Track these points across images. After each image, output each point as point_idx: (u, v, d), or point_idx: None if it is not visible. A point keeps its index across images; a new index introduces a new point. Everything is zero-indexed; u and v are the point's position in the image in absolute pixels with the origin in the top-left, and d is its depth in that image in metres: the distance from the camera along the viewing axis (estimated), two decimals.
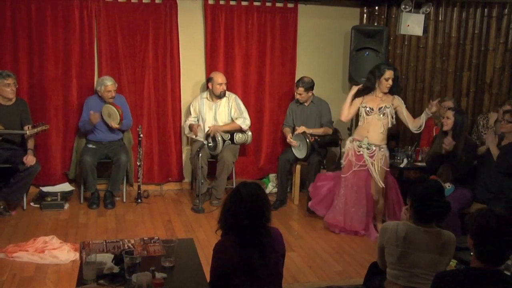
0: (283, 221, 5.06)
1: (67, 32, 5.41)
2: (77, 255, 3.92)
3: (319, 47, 6.12)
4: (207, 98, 5.61)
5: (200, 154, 5.24)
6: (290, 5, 5.91)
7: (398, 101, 4.72)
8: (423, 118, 4.64)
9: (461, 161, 4.51)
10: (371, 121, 4.66)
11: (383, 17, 6.05)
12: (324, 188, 4.93)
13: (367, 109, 4.68)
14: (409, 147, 5.38)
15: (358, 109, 4.77)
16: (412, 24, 5.77)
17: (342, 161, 4.87)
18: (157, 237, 3.12)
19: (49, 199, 5.18)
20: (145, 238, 3.08)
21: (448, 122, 4.54)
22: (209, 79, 5.58)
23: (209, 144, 5.43)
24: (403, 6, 5.74)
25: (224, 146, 5.41)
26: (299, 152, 5.44)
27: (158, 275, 2.50)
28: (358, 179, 4.68)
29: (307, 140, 5.29)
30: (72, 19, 5.40)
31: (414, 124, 4.70)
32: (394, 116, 4.69)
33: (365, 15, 6.12)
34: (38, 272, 3.75)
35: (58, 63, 5.44)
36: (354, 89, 4.79)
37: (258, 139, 6.04)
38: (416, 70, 6.31)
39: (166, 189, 5.96)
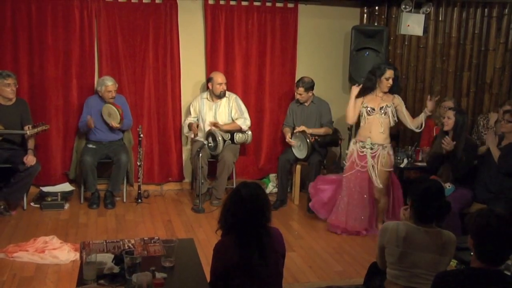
0: (283, 221, 5.06)
1: (67, 32, 5.41)
2: (77, 255, 3.92)
3: (319, 47, 6.12)
4: (207, 98, 5.61)
5: (200, 154, 5.24)
6: (290, 5, 5.90)
7: (398, 100, 4.71)
8: (422, 117, 4.63)
9: (461, 161, 4.51)
10: (373, 121, 4.66)
11: (383, 17, 6.05)
12: (326, 193, 4.93)
13: (369, 109, 4.67)
14: (409, 147, 5.38)
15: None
16: (412, 24, 5.76)
17: (344, 162, 4.86)
18: (157, 237, 3.11)
19: (49, 199, 5.18)
20: (145, 238, 3.08)
21: (449, 122, 4.53)
22: (209, 79, 5.58)
23: (210, 144, 5.42)
24: (403, 6, 5.73)
25: (225, 146, 5.41)
26: (300, 152, 5.44)
27: (158, 275, 2.49)
28: (360, 180, 4.68)
29: (308, 140, 5.28)
30: (72, 19, 5.40)
31: (413, 124, 4.69)
32: (395, 115, 4.69)
33: (365, 15, 6.12)
34: (38, 272, 3.75)
35: (58, 63, 5.44)
36: (355, 89, 4.77)
37: (258, 139, 6.04)
38: (416, 70, 6.30)
39: (166, 189, 5.95)
